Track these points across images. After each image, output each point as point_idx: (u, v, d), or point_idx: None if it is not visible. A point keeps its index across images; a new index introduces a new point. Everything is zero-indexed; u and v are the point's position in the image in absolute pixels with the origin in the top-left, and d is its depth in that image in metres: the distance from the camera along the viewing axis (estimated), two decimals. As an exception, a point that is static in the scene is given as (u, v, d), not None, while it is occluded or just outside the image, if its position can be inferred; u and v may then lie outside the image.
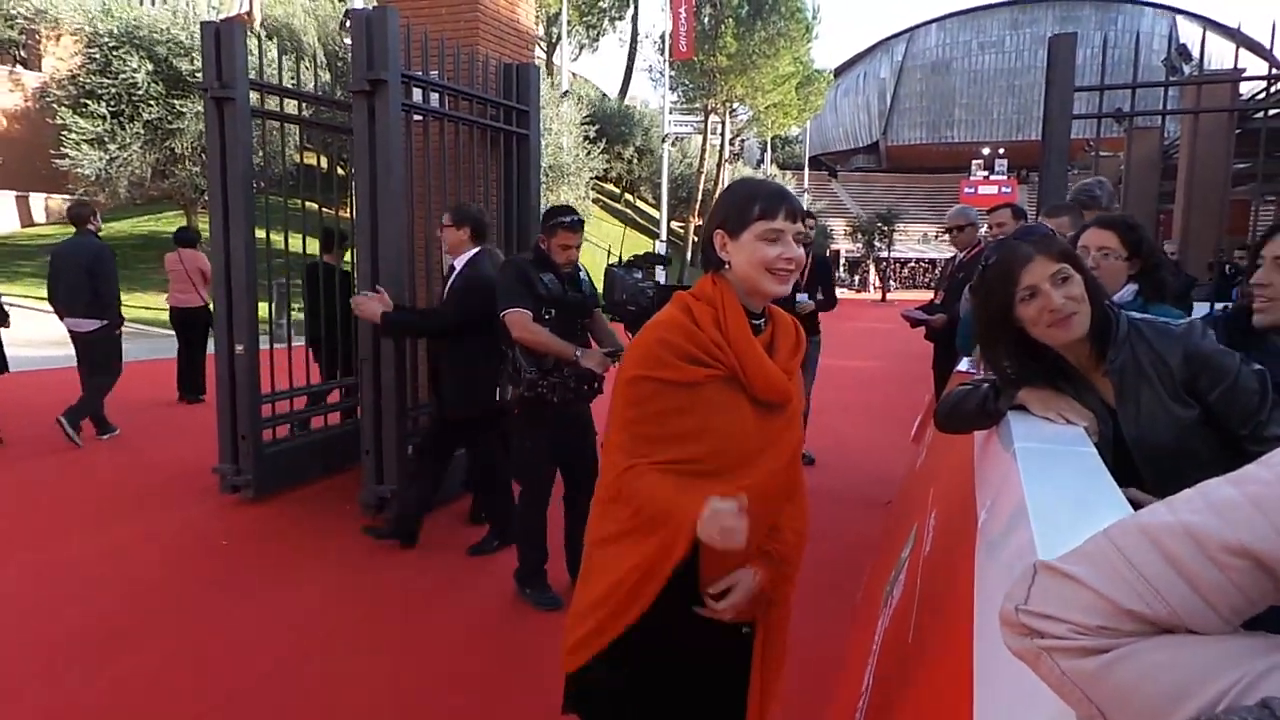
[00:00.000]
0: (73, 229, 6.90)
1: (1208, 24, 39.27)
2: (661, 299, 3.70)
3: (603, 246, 23.63)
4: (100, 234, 7.02)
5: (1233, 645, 0.60)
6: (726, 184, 1.97)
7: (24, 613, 3.66)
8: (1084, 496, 1.15)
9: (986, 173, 50.79)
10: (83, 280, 6.57)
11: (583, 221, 3.82)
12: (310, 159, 13.79)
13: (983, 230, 5.30)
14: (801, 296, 5.84)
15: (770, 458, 1.73)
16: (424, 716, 2.97)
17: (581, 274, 3.94)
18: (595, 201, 28.81)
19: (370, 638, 3.52)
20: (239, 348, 5.12)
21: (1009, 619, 0.70)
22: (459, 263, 4.31)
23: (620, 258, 3.74)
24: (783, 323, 1.82)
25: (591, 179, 23.77)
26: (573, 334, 3.77)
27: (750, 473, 1.68)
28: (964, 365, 2.65)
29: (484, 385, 4.31)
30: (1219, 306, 2.58)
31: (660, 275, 25.62)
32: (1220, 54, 33.71)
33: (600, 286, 3.95)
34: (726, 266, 1.70)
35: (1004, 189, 45.29)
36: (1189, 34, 44.91)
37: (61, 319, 6.77)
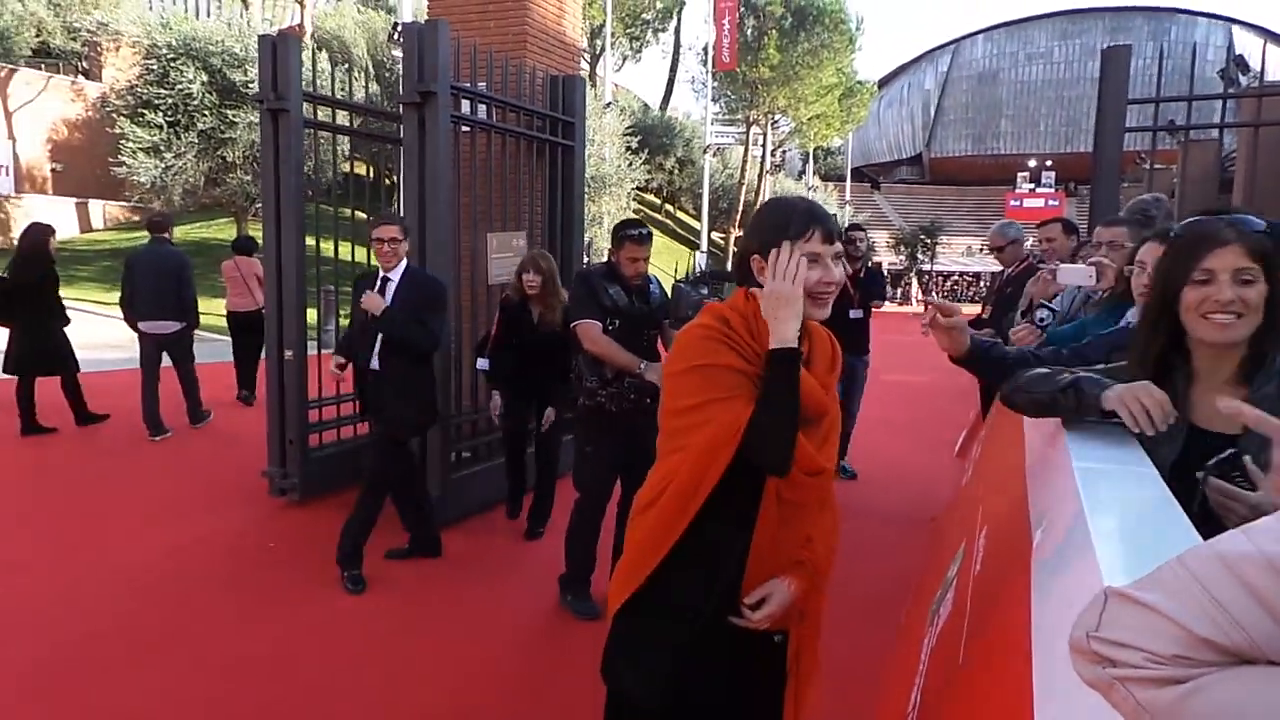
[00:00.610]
0: (147, 236, 7.34)
1: (1267, 35, 38.32)
2: None
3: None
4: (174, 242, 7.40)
5: None
6: (764, 199, 1.91)
7: (81, 612, 3.75)
8: (1148, 519, 1.13)
9: (1033, 185, 49.99)
10: (169, 285, 7.00)
11: (650, 234, 3.88)
12: (358, 167, 14.04)
13: (1029, 244, 5.23)
14: (854, 313, 5.81)
15: (806, 468, 1.71)
16: (474, 711, 2.99)
17: (653, 286, 3.99)
18: (636, 212, 28.86)
19: (413, 642, 3.56)
20: (288, 353, 5.22)
21: (1080, 646, 0.69)
22: (396, 275, 4.10)
23: (687, 274, 3.80)
24: (819, 338, 1.80)
25: (633, 190, 23.84)
26: (639, 345, 3.82)
27: (786, 483, 1.67)
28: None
29: (428, 399, 4.26)
30: None
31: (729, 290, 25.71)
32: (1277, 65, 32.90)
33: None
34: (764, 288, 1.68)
35: (1050, 202, 44.52)
36: (1245, 45, 43.84)
37: (137, 323, 7.03)
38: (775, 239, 1.63)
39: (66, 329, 7.06)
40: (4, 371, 6.87)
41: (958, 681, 1.54)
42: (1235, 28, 51.09)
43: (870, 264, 6.19)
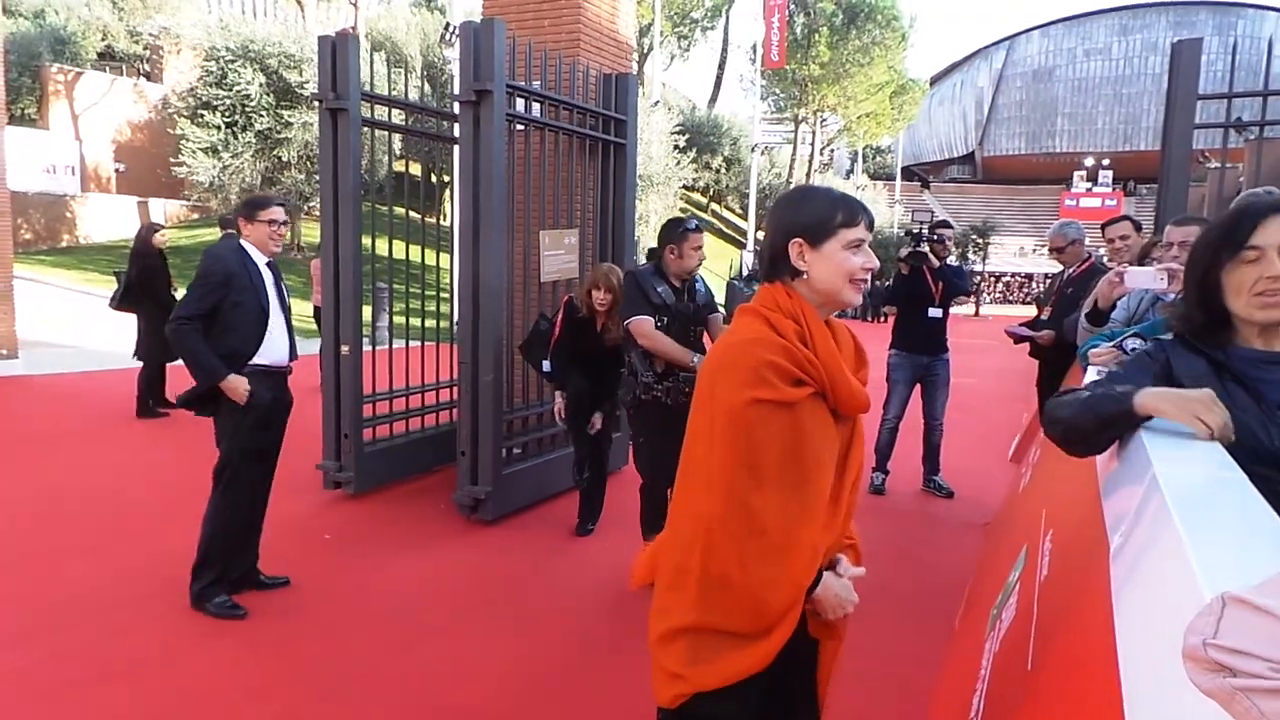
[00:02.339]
0: (220, 233, 7.80)
1: (1337, 28, 36.96)
2: None
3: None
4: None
5: None
6: (789, 190, 1.89)
7: (146, 595, 3.85)
8: (1239, 520, 1.09)
9: (1090, 184, 48.85)
10: None
11: (702, 227, 4.14)
12: (403, 165, 14.25)
13: (1102, 250, 5.09)
14: (934, 312, 5.72)
15: (849, 469, 1.72)
16: (527, 702, 3.01)
17: (699, 284, 4.19)
18: (682, 210, 28.87)
19: (466, 628, 3.59)
20: (344, 348, 5.30)
21: (1196, 654, 0.67)
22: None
23: (741, 273, 3.87)
24: (842, 333, 1.77)
25: (680, 188, 23.84)
26: (687, 339, 4.03)
27: (835, 486, 1.68)
28: (1094, 375, 2.54)
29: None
30: None
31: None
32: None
33: (721, 297, 4.08)
34: (804, 276, 1.66)
35: (1108, 201, 43.46)
36: (1316, 39, 42.30)
37: None
38: (823, 227, 1.63)
39: None
40: (133, 356, 7.63)
41: (1030, 687, 1.51)
42: (1305, 21, 49.32)
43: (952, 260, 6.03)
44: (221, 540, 3.73)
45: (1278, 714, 0.61)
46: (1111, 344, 2.54)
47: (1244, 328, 1.55)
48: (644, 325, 3.95)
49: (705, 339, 4.20)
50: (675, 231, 4.03)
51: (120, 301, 7.60)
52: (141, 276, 7.49)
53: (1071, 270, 5.02)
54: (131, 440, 6.96)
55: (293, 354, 3.92)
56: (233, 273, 3.65)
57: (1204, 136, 5.04)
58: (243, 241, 3.76)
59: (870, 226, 1.67)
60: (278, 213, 3.80)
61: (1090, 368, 2.57)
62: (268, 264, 3.80)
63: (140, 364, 7.64)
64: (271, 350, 3.78)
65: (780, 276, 1.69)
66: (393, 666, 3.30)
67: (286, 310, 3.88)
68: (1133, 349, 2.35)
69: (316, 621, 3.68)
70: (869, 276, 1.68)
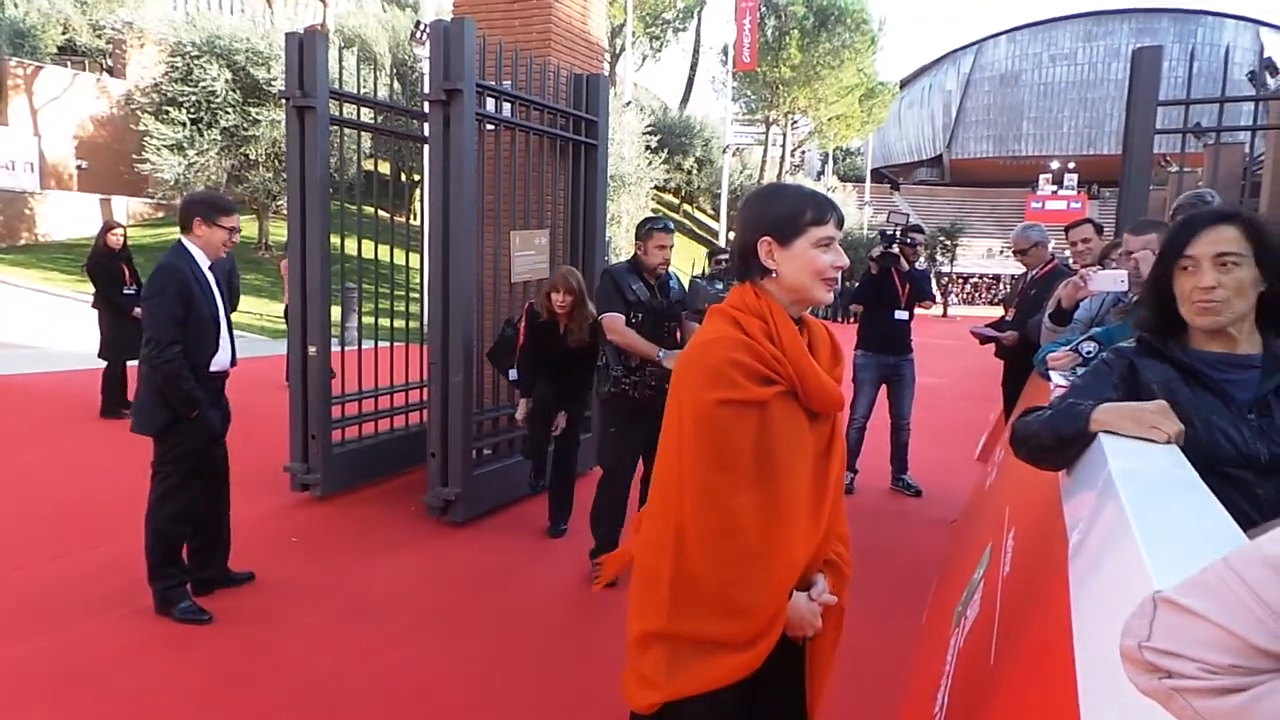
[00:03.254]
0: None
1: (1293, 36, 37.83)
2: None
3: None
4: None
5: None
6: (759, 189, 1.89)
7: (102, 600, 3.79)
8: (1192, 520, 1.12)
9: (1055, 187, 49.57)
10: (222, 274, 7.44)
11: (673, 226, 4.30)
12: (371, 165, 14.13)
13: (1066, 252, 5.18)
14: (900, 314, 5.80)
15: (831, 467, 1.72)
16: (499, 703, 3.00)
17: (672, 281, 4.33)
18: (654, 211, 28.90)
19: (436, 630, 3.57)
20: (312, 349, 5.25)
21: (1133, 656, 0.68)
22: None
23: (704, 270, 3.96)
24: (817, 330, 1.76)
25: (651, 189, 23.87)
26: (660, 335, 4.14)
27: (817, 486, 1.68)
28: (1057, 379, 2.57)
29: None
30: None
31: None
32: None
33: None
34: (773, 275, 1.65)
35: (1073, 204, 44.15)
36: (1275, 46, 43.25)
37: None
38: (792, 224, 1.62)
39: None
40: (97, 356, 7.51)
41: (991, 682, 1.53)
42: (1263, 29, 50.44)
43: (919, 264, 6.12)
44: (165, 543, 3.62)
45: (1212, 712, 0.62)
46: (1067, 348, 2.59)
47: (1197, 332, 1.60)
48: (615, 321, 4.08)
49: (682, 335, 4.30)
50: (642, 229, 4.22)
51: (95, 301, 7.62)
52: (91, 274, 7.45)
53: (1035, 272, 5.10)
54: (92, 441, 6.83)
55: (233, 359, 3.87)
56: (189, 285, 3.52)
57: (1164, 141, 5.14)
58: (189, 244, 3.61)
59: (840, 224, 1.66)
60: (238, 221, 3.73)
61: (1050, 372, 2.61)
62: (209, 266, 3.68)
63: (105, 364, 7.53)
64: (221, 357, 3.73)
65: (751, 275, 1.68)
66: (362, 669, 3.28)
67: (229, 313, 3.82)
68: (1088, 353, 2.40)
69: (284, 625, 3.64)
70: (839, 275, 1.67)
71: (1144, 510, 1.11)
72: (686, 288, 4.50)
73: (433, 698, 3.09)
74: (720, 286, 3.92)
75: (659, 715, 1.68)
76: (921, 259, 6.41)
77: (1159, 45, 4.70)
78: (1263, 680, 0.61)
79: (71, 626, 3.50)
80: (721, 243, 29.75)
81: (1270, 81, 11.74)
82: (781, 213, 1.64)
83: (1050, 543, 1.59)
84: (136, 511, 3.68)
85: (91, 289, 7.60)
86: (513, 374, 4.81)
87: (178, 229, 3.71)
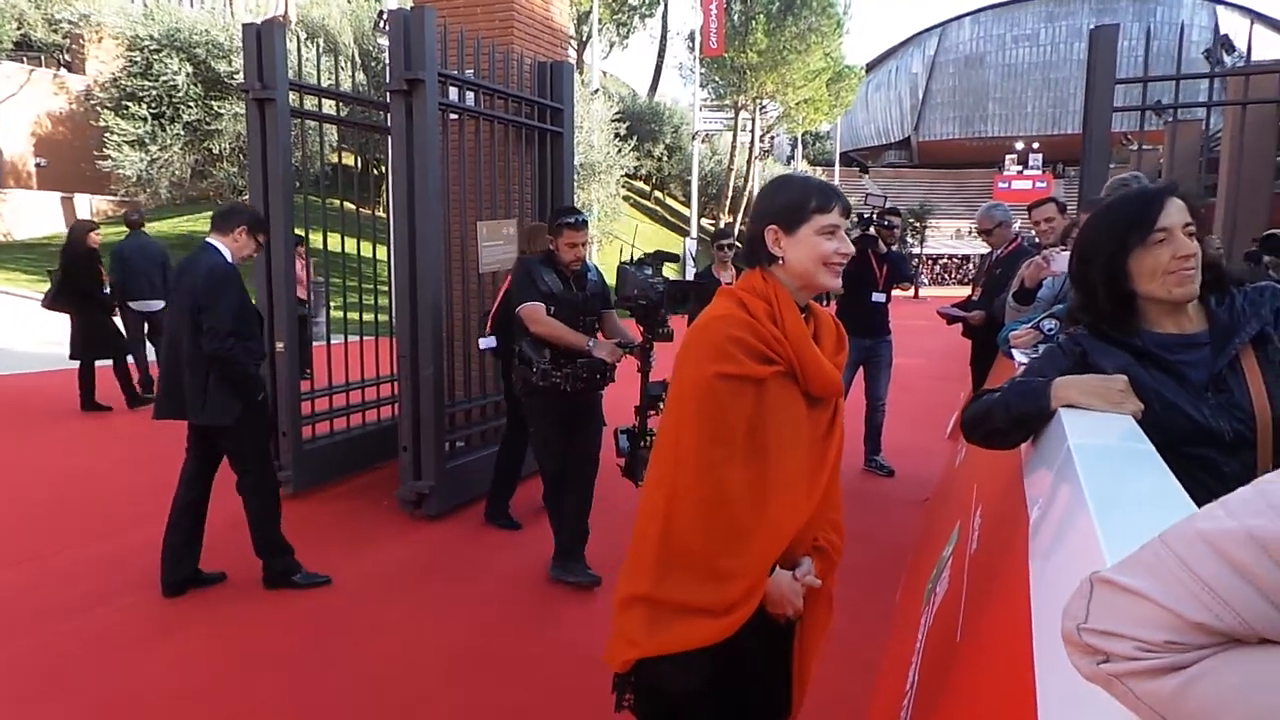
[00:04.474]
0: (127, 230, 8.30)
1: (1252, 15, 38.34)
2: (673, 294, 3.76)
3: (626, 241, 23.60)
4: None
5: None
6: (771, 180, 1.93)
7: (70, 606, 3.74)
8: (1147, 496, 1.13)
9: (1020, 167, 49.99)
10: (156, 270, 8.02)
11: (586, 221, 4.05)
12: (346, 158, 13.95)
13: (1015, 226, 5.23)
14: (878, 296, 5.83)
15: (829, 451, 1.75)
16: (478, 692, 3.00)
17: (591, 273, 4.13)
18: (625, 199, 28.83)
19: (413, 623, 3.56)
20: (279, 345, 5.19)
21: (1072, 639, 0.67)
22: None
23: (632, 257, 3.86)
24: (824, 318, 1.82)
25: (622, 176, 23.79)
26: (578, 329, 3.97)
27: (812, 468, 1.71)
28: (1020, 356, 2.59)
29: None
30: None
31: (689, 270, 25.35)
32: (1265, 45, 32.89)
33: (614, 283, 4.06)
34: (780, 262, 1.70)
35: (1039, 183, 44.59)
36: (1230, 24, 43.85)
37: (129, 303, 8.02)
38: (797, 213, 1.68)
39: (116, 318, 7.97)
40: (69, 357, 7.68)
41: (956, 658, 1.55)
42: (1219, 7, 51.08)
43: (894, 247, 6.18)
44: (273, 524, 3.99)
45: (1150, 694, 0.61)
46: (1029, 325, 2.61)
47: (1152, 310, 1.60)
48: (536, 311, 3.87)
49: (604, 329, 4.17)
50: (552, 224, 4.02)
51: (53, 301, 7.62)
52: (69, 274, 7.51)
53: (1000, 251, 5.14)
54: (56, 443, 6.72)
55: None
56: (240, 281, 3.80)
57: (1125, 119, 5.20)
58: (220, 244, 3.81)
59: (846, 213, 1.72)
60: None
61: (1013, 350, 2.63)
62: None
63: (78, 363, 7.68)
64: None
65: (759, 263, 1.74)
66: (340, 663, 3.26)
67: None
68: (1050, 329, 2.42)
69: (260, 622, 3.62)
70: (845, 261, 1.71)
71: (1100, 486, 1.12)
72: (615, 277, 4.26)
73: (410, 689, 3.08)
74: (649, 272, 3.82)
75: (634, 673, 1.74)
76: (897, 241, 6.46)
77: (1116, 24, 4.74)
78: (1199, 657, 0.61)
79: (46, 624, 3.45)
80: (693, 230, 29.77)
81: (1227, 59, 11.90)
82: (787, 201, 1.71)
83: (1013, 519, 1.61)
84: (110, 511, 3.63)
85: (35, 288, 7.75)
86: (485, 341, 4.74)
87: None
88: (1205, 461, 1.48)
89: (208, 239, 3.85)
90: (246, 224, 3.86)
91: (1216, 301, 1.58)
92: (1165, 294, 1.55)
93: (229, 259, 3.80)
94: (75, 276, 7.49)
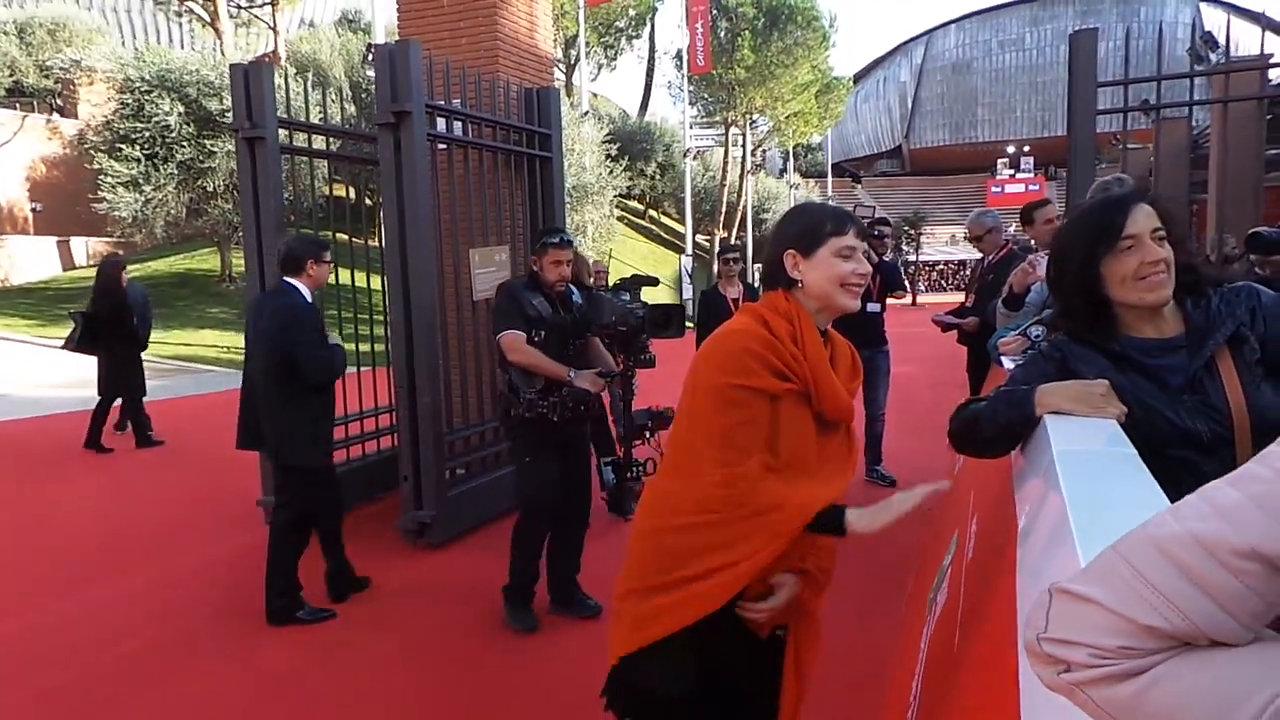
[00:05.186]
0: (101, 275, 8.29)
1: (1231, 10, 38.62)
2: (655, 319, 3.73)
3: (622, 260, 23.66)
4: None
5: (1268, 657, 0.59)
6: (789, 209, 2.00)
7: (81, 645, 3.73)
8: (1126, 501, 1.14)
9: (1012, 171, 50.31)
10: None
11: (570, 240, 3.91)
12: (339, 190, 14.04)
13: (1011, 229, 5.25)
14: (873, 307, 5.84)
15: (832, 474, 1.79)
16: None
17: (574, 296, 3.97)
18: (620, 219, 28.92)
19: (421, 655, 3.55)
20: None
21: (1033, 649, 0.69)
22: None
23: (607, 282, 3.82)
24: (840, 345, 1.87)
25: (615, 197, 23.87)
26: (565, 354, 3.84)
27: (812, 486, 1.73)
28: (1009, 363, 2.60)
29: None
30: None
31: (686, 288, 25.21)
32: (1247, 40, 33.07)
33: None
34: (799, 285, 1.74)
35: (1031, 186, 44.82)
36: (1214, 21, 44.16)
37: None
38: (813, 236, 1.73)
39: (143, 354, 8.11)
40: (102, 395, 7.83)
41: (956, 668, 1.55)
42: (1202, 5, 51.44)
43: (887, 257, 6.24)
44: (293, 560, 4.07)
45: (1109, 701, 0.63)
46: (1017, 332, 2.62)
47: (1129, 315, 1.62)
48: (516, 340, 3.72)
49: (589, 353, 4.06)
50: (536, 244, 3.88)
51: (80, 343, 7.67)
52: (113, 314, 7.64)
53: (991, 257, 5.17)
54: (65, 486, 6.73)
55: None
56: (319, 317, 4.12)
57: (1112, 120, 5.23)
58: (297, 283, 4.01)
59: (861, 235, 1.76)
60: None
61: (1002, 358, 2.64)
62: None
63: (101, 399, 7.82)
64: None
65: (779, 287, 1.78)
66: (347, 695, 3.25)
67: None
68: (1037, 336, 2.44)
69: (266, 657, 3.61)
70: (863, 282, 1.75)
71: (1080, 492, 1.13)
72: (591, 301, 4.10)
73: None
74: (626, 298, 3.76)
75: (626, 679, 1.79)
76: (890, 250, 6.51)
77: (1095, 28, 4.80)
78: (1152, 662, 0.62)
79: (38, 670, 3.44)
80: (689, 247, 29.85)
81: (1211, 56, 11.99)
82: (803, 226, 1.76)
83: (1004, 527, 1.61)
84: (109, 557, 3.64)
85: (35, 332, 7.89)
86: None
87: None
88: (1186, 463, 1.49)
89: (284, 280, 4.05)
90: (312, 256, 4.06)
91: (1193, 304, 1.59)
92: (1136, 300, 1.56)
93: (307, 296, 4.02)
94: (110, 315, 7.61)
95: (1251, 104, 6.66)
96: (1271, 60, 7.30)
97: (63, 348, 7.92)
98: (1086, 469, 1.26)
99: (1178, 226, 1.57)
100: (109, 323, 7.62)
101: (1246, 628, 0.60)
